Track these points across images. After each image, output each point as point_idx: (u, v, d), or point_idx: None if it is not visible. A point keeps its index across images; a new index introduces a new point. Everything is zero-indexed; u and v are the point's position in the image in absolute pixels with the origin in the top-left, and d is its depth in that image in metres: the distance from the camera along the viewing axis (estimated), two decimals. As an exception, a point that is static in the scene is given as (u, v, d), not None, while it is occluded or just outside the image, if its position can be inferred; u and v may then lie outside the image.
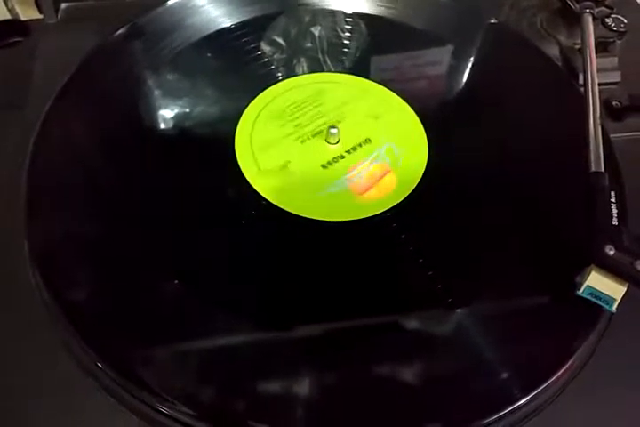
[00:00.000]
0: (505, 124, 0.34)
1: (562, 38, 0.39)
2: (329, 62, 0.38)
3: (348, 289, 0.28)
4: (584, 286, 0.26)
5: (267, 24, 0.38)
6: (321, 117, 0.33)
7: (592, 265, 0.26)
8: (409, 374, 0.25)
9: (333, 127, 0.31)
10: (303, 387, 0.25)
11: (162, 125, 0.33)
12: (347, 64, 0.38)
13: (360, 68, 0.37)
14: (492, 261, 0.29)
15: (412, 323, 0.27)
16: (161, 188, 0.30)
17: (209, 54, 0.36)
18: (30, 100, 0.36)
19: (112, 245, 0.28)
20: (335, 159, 0.32)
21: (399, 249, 0.29)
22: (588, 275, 0.26)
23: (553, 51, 0.39)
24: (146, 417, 0.25)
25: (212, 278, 0.28)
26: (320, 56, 0.39)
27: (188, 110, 0.33)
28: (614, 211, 0.27)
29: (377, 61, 0.39)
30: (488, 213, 0.31)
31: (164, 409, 0.24)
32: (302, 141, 0.32)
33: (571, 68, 0.37)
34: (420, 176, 0.31)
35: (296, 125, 0.33)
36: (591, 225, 0.27)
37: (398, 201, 0.30)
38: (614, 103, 0.36)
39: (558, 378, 0.26)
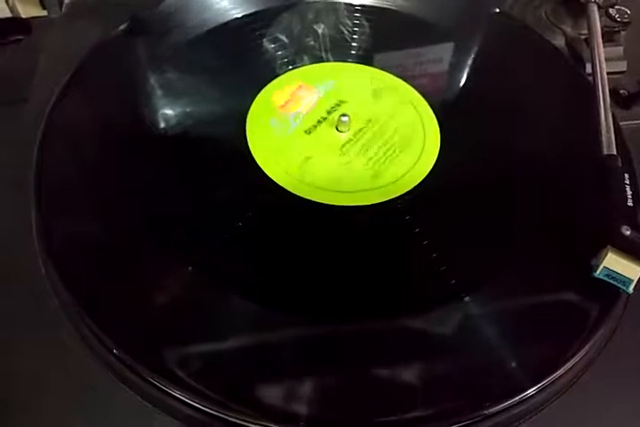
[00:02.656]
0: (514, 113, 0.34)
1: (567, 29, 0.39)
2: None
3: (355, 271, 0.27)
4: (601, 267, 0.26)
5: (272, 17, 0.38)
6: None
7: (608, 246, 0.26)
8: (411, 356, 0.25)
9: (344, 115, 0.31)
10: (309, 369, 0.24)
11: (167, 119, 0.33)
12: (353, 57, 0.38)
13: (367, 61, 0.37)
14: (501, 244, 0.29)
15: (415, 306, 0.26)
16: (168, 180, 0.30)
17: (214, 48, 0.36)
18: (34, 95, 0.35)
19: (124, 235, 0.28)
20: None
21: (405, 231, 0.29)
22: (605, 256, 0.26)
23: (558, 41, 0.39)
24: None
25: (223, 264, 0.27)
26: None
27: (193, 104, 0.33)
28: (629, 192, 0.27)
29: (384, 54, 0.38)
30: (499, 197, 0.31)
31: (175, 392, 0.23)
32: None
33: (577, 58, 0.37)
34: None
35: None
36: (607, 206, 0.27)
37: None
38: (622, 92, 0.36)
39: (569, 369, 0.25)
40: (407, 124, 0.33)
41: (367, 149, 0.31)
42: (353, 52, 0.37)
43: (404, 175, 0.31)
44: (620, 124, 0.34)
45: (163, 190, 0.30)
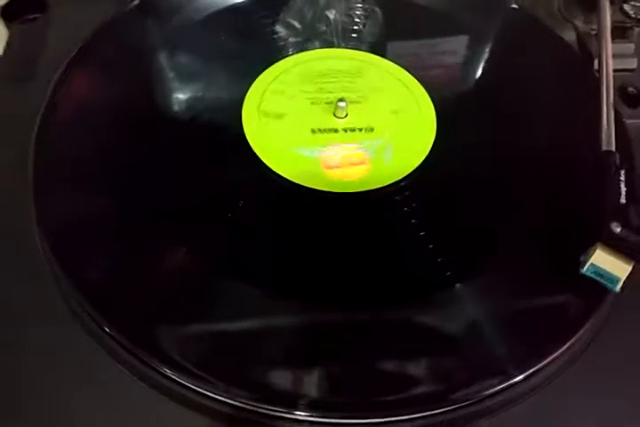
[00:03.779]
0: (516, 106, 0.34)
1: (579, 23, 0.38)
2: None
3: (349, 258, 0.28)
4: (588, 263, 0.26)
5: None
6: (345, 92, 0.33)
7: (597, 243, 0.26)
8: (404, 343, 0.25)
9: (342, 101, 0.31)
10: (307, 354, 0.25)
11: (169, 100, 0.33)
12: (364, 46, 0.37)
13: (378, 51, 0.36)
14: (496, 237, 0.29)
15: (410, 295, 0.27)
16: (167, 163, 0.30)
17: (219, 30, 0.36)
18: (41, 72, 0.36)
19: (122, 218, 0.28)
20: (329, 130, 0.31)
21: (402, 221, 0.29)
22: (593, 252, 0.26)
23: (570, 36, 0.38)
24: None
25: (219, 247, 0.28)
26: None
27: (196, 88, 0.33)
28: (623, 189, 0.27)
29: (395, 45, 0.38)
30: (495, 189, 0.30)
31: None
32: (312, 103, 0.32)
33: (587, 54, 0.37)
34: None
35: (319, 89, 0.33)
36: (598, 202, 0.26)
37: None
38: (630, 89, 0.35)
39: (557, 357, 0.25)
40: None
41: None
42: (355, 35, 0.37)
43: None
44: (627, 121, 0.34)
45: (161, 173, 0.30)
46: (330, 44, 0.37)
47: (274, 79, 0.33)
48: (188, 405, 0.24)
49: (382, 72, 0.35)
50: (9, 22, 0.42)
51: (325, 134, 0.31)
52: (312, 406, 0.23)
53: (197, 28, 0.35)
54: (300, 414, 0.23)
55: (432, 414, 0.24)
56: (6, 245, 0.28)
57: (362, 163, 0.30)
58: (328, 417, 0.24)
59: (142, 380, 0.25)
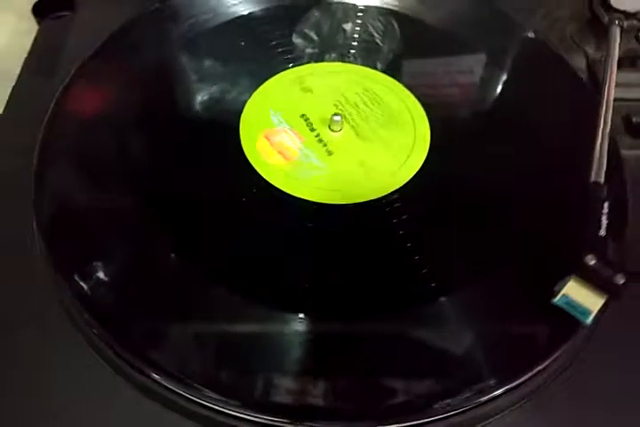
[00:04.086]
0: (515, 128, 0.34)
1: (590, 50, 0.38)
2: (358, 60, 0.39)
3: (335, 267, 0.28)
4: (560, 294, 0.26)
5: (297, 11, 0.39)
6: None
7: (572, 274, 0.26)
8: (385, 352, 0.26)
9: (337, 115, 0.32)
10: (298, 359, 0.25)
11: (179, 98, 0.34)
12: (377, 64, 0.38)
13: (389, 69, 0.37)
14: (480, 251, 0.29)
15: (395, 306, 0.27)
16: (171, 160, 0.32)
17: (240, 35, 0.37)
18: (60, 70, 0.37)
19: (118, 217, 0.29)
20: (310, 125, 0.33)
21: (389, 233, 0.29)
22: (567, 283, 0.26)
23: (580, 62, 0.38)
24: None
25: (207, 251, 0.28)
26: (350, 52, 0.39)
27: (208, 85, 0.34)
28: (604, 222, 0.26)
29: (407, 64, 0.39)
30: (483, 206, 0.31)
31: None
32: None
33: (595, 82, 0.36)
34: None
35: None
36: (577, 233, 0.26)
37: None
38: (634, 120, 0.35)
39: (537, 373, 0.26)
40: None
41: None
42: (377, 60, 0.38)
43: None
44: (627, 152, 0.34)
45: (160, 173, 0.31)
46: (345, 57, 0.38)
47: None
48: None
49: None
50: (40, 18, 0.44)
51: (304, 125, 0.33)
52: (292, 414, 0.24)
53: (212, 33, 0.36)
54: (275, 420, 0.24)
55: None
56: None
57: (285, 158, 0.31)
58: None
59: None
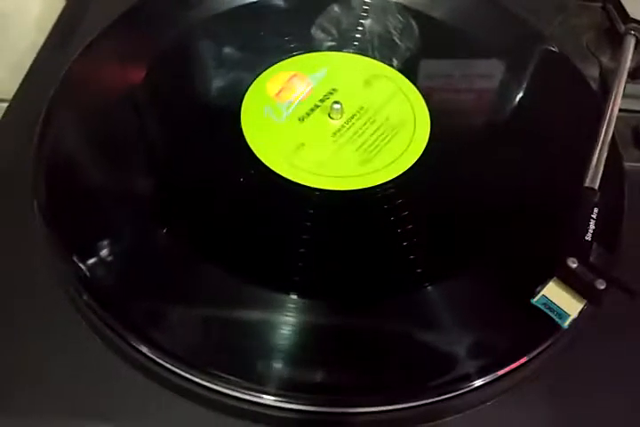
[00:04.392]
0: (518, 135, 0.33)
1: (604, 60, 0.38)
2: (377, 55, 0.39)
3: (327, 250, 0.29)
4: (540, 294, 0.25)
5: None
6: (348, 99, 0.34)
7: (554, 276, 0.26)
8: (374, 335, 0.26)
9: (337, 103, 0.32)
10: (288, 339, 0.26)
11: (174, 87, 0.34)
12: (393, 60, 0.38)
13: (403, 65, 0.37)
14: (471, 241, 0.29)
15: (382, 289, 0.27)
16: (165, 147, 0.32)
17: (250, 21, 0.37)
18: (74, 43, 0.38)
19: (118, 197, 0.30)
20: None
21: (382, 220, 0.29)
22: (547, 284, 0.25)
23: (594, 71, 0.38)
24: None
25: (201, 230, 0.29)
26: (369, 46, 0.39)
27: (206, 78, 0.35)
28: (591, 227, 0.26)
29: (420, 63, 0.39)
30: (477, 198, 0.31)
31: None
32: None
33: (605, 91, 0.36)
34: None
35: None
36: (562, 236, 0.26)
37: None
38: (641, 132, 0.35)
39: (514, 367, 0.25)
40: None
41: (359, 136, 0.32)
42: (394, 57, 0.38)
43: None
44: (633, 164, 0.33)
45: (158, 156, 0.32)
46: (363, 52, 0.38)
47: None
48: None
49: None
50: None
51: (340, 133, 0.33)
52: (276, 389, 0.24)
53: (222, 19, 0.37)
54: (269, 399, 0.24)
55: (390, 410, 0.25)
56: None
57: (277, 95, 0.33)
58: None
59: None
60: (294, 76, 0.35)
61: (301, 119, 0.33)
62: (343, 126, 0.33)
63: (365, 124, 0.33)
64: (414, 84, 0.35)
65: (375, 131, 0.33)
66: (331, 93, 0.34)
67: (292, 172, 0.31)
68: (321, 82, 0.35)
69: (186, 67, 0.35)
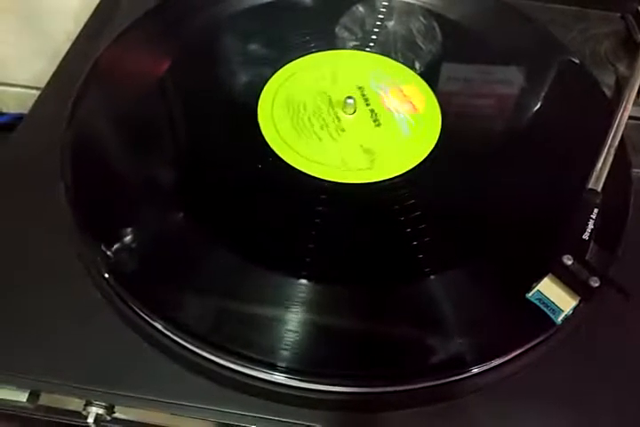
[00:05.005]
0: (526, 143, 0.34)
1: (621, 68, 0.38)
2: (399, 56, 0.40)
3: (337, 239, 0.30)
4: (535, 289, 0.26)
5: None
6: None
7: (550, 273, 0.26)
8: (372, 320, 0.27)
9: (350, 98, 0.33)
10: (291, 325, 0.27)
11: (207, 76, 0.36)
12: (414, 63, 0.39)
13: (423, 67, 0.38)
14: (473, 235, 0.30)
15: (386, 279, 0.28)
16: (195, 130, 0.34)
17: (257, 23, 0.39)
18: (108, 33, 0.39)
19: (140, 184, 0.31)
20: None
21: (392, 215, 0.30)
22: (542, 280, 0.26)
23: (610, 80, 0.38)
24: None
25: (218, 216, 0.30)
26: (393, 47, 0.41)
27: (226, 75, 0.36)
28: (590, 227, 0.27)
29: (438, 65, 0.40)
30: (484, 200, 0.31)
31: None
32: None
33: (620, 99, 0.36)
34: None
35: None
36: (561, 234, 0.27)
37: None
38: (655, 140, 0.35)
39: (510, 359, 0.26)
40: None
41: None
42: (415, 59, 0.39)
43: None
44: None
45: (181, 146, 0.33)
46: (386, 53, 0.39)
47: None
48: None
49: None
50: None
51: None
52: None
53: (247, 16, 0.38)
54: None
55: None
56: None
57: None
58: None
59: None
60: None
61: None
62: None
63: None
64: (430, 85, 0.36)
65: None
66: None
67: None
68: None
69: (209, 60, 0.37)
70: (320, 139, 0.33)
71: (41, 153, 0.33)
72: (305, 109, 0.34)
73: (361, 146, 0.33)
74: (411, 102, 0.35)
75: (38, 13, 0.51)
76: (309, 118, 0.34)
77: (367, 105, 0.35)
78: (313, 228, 0.30)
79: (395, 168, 0.32)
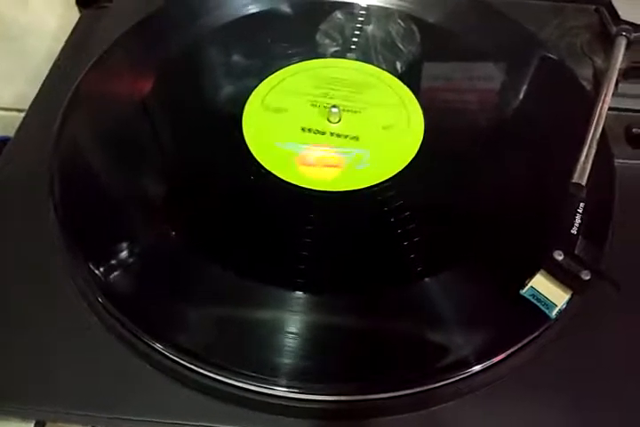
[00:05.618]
0: (511, 135, 0.35)
1: (598, 61, 0.38)
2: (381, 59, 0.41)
3: (329, 248, 0.30)
4: (528, 286, 0.27)
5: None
6: (347, 101, 0.35)
7: (542, 269, 0.27)
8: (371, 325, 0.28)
9: (335, 107, 0.33)
10: (280, 331, 0.27)
11: (191, 92, 0.36)
12: (395, 65, 0.39)
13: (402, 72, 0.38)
14: (463, 238, 0.30)
15: (381, 285, 0.29)
16: (181, 147, 0.34)
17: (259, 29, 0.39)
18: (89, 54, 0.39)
19: (129, 201, 0.31)
20: (317, 131, 0.34)
21: (382, 220, 0.31)
22: (535, 276, 0.26)
23: (587, 73, 0.38)
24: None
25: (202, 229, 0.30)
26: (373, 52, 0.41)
27: (218, 77, 0.37)
28: (577, 221, 0.27)
29: (417, 67, 0.40)
30: (472, 200, 0.32)
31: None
32: (312, 105, 0.35)
33: (598, 92, 0.37)
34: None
35: (324, 94, 0.36)
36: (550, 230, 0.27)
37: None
38: (634, 130, 0.35)
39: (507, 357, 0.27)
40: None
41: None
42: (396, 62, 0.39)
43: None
44: (626, 162, 0.34)
45: (167, 163, 0.34)
46: (366, 57, 0.40)
47: (283, 80, 0.36)
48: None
49: (388, 89, 0.37)
50: (83, 8, 0.47)
51: (313, 135, 0.34)
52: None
53: (226, 30, 0.39)
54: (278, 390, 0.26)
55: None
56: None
57: (336, 166, 0.32)
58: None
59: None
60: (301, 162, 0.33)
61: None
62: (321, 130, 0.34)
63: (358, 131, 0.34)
64: (409, 86, 0.36)
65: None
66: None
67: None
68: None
69: (191, 75, 0.37)
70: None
71: (28, 176, 0.33)
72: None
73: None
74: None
75: (16, 34, 0.51)
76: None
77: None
78: (304, 241, 0.30)
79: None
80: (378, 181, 0.32)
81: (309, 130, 0.34)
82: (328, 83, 0.36)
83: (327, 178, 0.32)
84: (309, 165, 0.32)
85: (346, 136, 0.34)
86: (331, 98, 0.35)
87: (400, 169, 0.32)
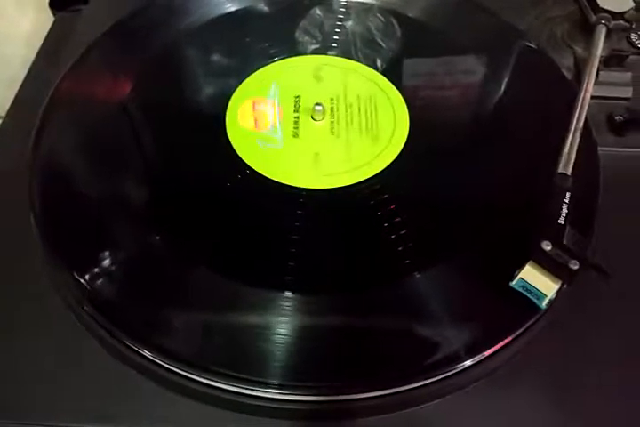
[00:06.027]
0: (493, 122, 0.35)
1: (579, 50, 0.38)
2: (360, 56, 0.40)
3: (317, 247, 0.30)
4: (517, 277, 0.26)
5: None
6: (331, 98, 0.35)
7: (530, 260, 0.26)
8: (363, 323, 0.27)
9: (319, 105, 0.33)
10: (272, 332, 0.27)
11: (170, 94, 0.36)
12: (376, 61, 0.39)
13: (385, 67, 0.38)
14: (453, 231, 0.30)
15: (369, 281, 0.28)
16: (161, 150, 0.34)
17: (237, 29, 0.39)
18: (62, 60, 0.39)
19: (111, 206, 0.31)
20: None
21: (369, 215, 0.30)
22: (524, 268, 0.26)
23: (568, 62, 0.38)
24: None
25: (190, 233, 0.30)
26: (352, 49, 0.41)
27: (198, 78, 0.36)
28: (564, 211, 0.27)
29: (399, 62, 0.40)
30: (459, 194, 0.32)
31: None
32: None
33: (580, 81, 0.37)
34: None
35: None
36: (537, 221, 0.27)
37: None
38: (617, 118, 0.35)
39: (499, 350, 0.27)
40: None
41: (352, 122, 0.34)
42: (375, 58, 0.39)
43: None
44: (608, 149, 0.34)
45: (149, 165, 0.33)
46: (346, 54, 0.39)
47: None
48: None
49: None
50: (57, 11, 0.46)
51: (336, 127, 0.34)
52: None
53: (204, 29, 0.38)
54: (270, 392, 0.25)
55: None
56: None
57: (257, 126, 0.33)
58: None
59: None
60: (255, 102, 0.35)
61: (295, 135, 0.33)
62: (332, 122, 0.34)
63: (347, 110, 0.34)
64: (392, 82, 0.36)
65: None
66: (297, 100, 0.35)
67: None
68: (280, 95, 0.35)
69: (171, 76, 0.36)
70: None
71: (7, 183, 0.33)
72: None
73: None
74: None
75: (-11, 39, 0.50)
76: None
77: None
78: (292, 240, 0.30)
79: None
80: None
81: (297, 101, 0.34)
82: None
83: (241, 124, 0.33)
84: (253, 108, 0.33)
85: (295, 128, 0.33)
86: (314, 95, 0.35)
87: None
